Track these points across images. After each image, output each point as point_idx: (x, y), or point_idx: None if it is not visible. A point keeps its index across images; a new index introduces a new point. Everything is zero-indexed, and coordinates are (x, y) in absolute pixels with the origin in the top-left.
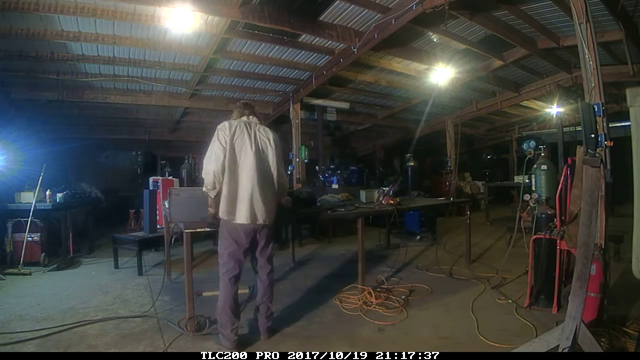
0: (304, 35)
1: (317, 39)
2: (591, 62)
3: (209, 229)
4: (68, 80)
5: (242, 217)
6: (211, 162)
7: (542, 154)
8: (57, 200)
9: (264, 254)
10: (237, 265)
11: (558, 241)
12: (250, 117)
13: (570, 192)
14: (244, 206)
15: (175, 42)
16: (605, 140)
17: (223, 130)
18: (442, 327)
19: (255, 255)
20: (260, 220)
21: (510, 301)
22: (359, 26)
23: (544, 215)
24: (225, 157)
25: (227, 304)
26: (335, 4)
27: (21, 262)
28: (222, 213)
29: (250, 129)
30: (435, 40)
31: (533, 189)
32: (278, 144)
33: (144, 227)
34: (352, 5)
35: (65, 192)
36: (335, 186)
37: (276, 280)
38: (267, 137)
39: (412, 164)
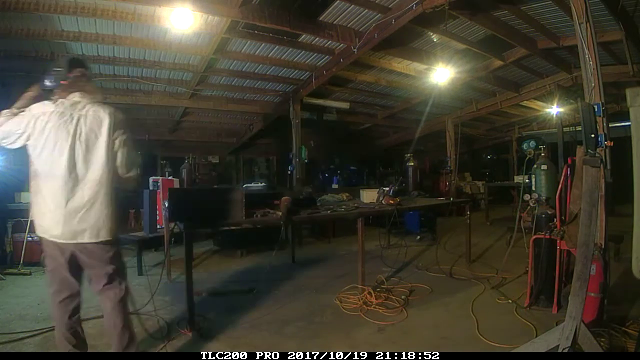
0: (304, 35)
1: (317, 39)
2: (591, 62)
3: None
4: None
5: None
6: None
7: (542, 154)
8: None
9: (97, 283)
10: (63, 285)
11: (558, 241)
12: (79, 94)
13: (570, 192)
14: (50, 218)
15: (175, 42)
16: (605, 140)
17: (31, 116)
18: (442, 327)
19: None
20: (81, 237)
21: (510, 301)
22: (359, 26)
23: (544, 215)
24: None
25: (59, 334)
26: (335, 4)
27: (21, 262)
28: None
29: (73, 116)
30: (435, 40)
31: (533, 189)
32: (115, 125)
33: (144, 227)
34: (352, 5)
35: None
36: (335, 186)
37: (276, 280)
38: (97, 124)
39: (412, 164)
